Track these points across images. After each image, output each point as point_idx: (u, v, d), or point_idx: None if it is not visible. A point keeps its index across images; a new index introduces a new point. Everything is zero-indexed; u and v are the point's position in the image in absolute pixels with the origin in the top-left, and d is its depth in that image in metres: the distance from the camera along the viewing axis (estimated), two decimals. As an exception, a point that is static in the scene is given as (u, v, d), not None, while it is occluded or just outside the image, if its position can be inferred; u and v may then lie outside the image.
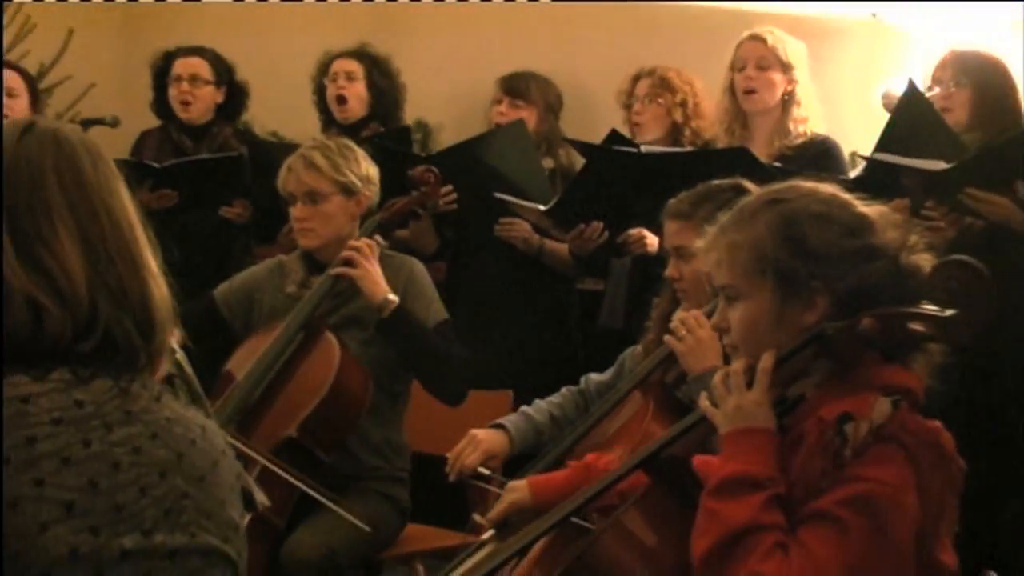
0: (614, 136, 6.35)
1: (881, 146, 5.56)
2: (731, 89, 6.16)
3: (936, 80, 5.79)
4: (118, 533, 2.14)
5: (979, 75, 5.74)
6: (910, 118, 5.57)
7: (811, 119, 6.11)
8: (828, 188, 3.09)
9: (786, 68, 6.07)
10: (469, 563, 3.74)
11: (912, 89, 5.67)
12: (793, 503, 2.84)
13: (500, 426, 4.75)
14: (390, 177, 5.58)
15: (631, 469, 3.29)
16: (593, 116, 7.14)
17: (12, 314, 2.15)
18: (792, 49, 6.11)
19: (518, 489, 3.77)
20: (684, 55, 7.12)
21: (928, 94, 5.71)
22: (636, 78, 7.01)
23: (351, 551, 5.08)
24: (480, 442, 4.65)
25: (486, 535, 3.81)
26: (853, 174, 5.62)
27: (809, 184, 3.14)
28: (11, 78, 7.10)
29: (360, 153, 5.41)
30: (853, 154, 6.16)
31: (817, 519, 2.78)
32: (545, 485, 3.72)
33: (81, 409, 2.16)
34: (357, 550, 5.13)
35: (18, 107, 6.84)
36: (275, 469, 4.82)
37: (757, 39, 6.15)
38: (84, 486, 2.12)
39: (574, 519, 3.36)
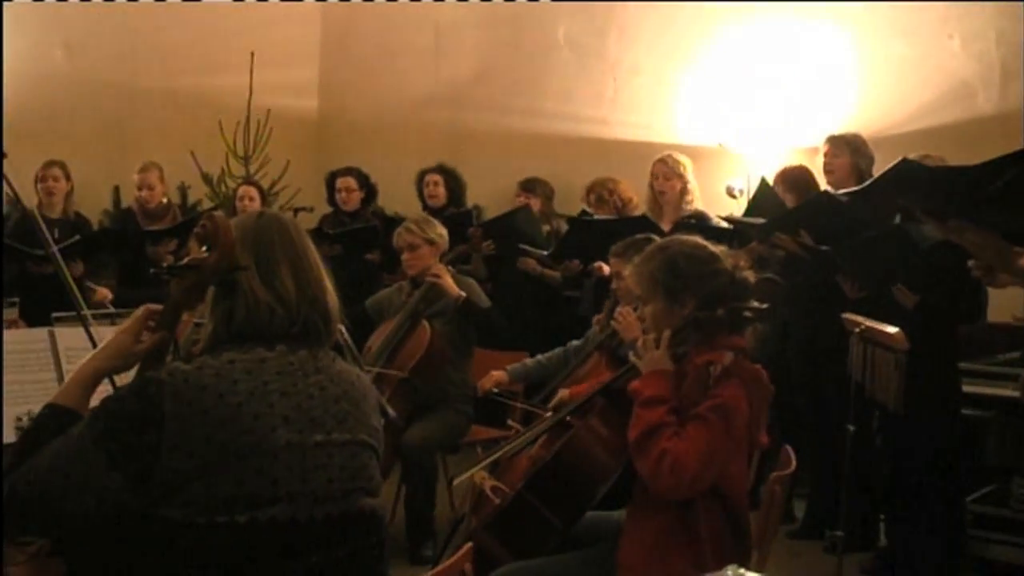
0: (583, 212, 6.46)
1: (745, 213, 5.69)
2: (651, 187, 6.15)
3: (775, 185, 5.73)
4: (313, 432, 2.15)
5: (794, 181, 5.70)
6: (764, 199, 5.63)
7: (695, 201, 6.10)
8: (693, 238, 3.13)
9: (680, 176, 6.06)
10: (515, 442, 3.71)
11: (764, 183, 5.74)
12: (682, 411, 2.86)
13: (504, 368, 4.98)
14: (455, 234, 5.60)
15: (595, 394, 3.30)
16: (577, 203, 7.11)
17: (259, 315, 2.19)
18: (683, 165, 6.09)
19: (563, 393, 3.76)
20: (619, 168, 7.07)
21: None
22: (588, 192, 6.92)
23: (441, 440, 5.09)
24: (491, 376, 4.93)
25: (548, 415, 3.79)
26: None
27: (684, 236, 3.20)
28: (251, 191, 7.13)
29: (436, 222, 5.43)
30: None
31: (695, 419, 2.81)
32: (574, 391, 3.69)
33: (292, 366, 2.17)
34: (444, 439, 5.14)
35: (255, 205, 6.87)
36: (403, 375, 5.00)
37: (661, 162, 6.13)
38: (294, 407, 2.13)
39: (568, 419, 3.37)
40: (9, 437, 3.74)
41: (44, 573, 2.27)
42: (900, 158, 3.03)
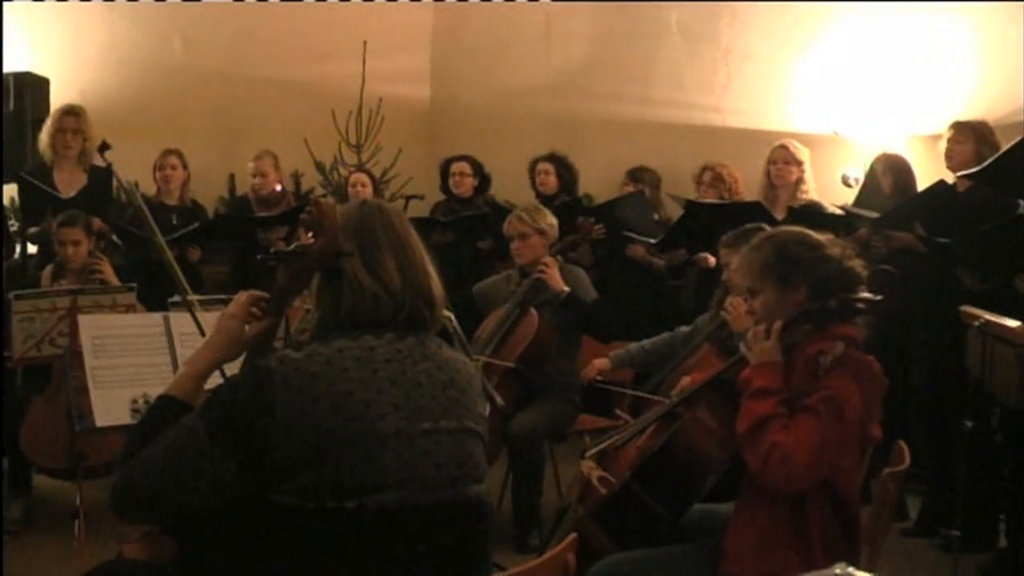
0: (692, 202, 6.30)
1: (855, 203, 5.77)
2: (767, 174, 6.07)
3: (876, 161, 5.77)
4: (421, 420, 2.17)
5: (895, 166, 5.71)
6: (872, 188, 5.65)
7: (810, 192, 6.02)
8: (798, 228, 3.10)
9: (798, 163, 5.98)
10: (623, 432, 3.68)
11: (873, 173, 5.75)
12: (791, 402, 2.81)
13: (607, 356, 5.04)
14: (566, 223, 5.57)
15: (704, 384, 3.26)
16: (687, 192, 7.03)
17: (364, 302, 2.20)
18: (802, 152, 6.01)
19: (685, 381, 3.67)
20: (730, 156, 6.99)
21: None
22: (702, 170, 6.91)
23: (548, 428, 5.08)
24: (594, 365, 5.01)
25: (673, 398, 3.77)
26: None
27: (789, 227, 3.17)
28: (363, 178, 7.18)
29: (547, 212, 5.42)
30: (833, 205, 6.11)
31: (805, 410, 2.76)
32: (695, 378, 3.63)
33: (400, 354, 2.19)
34: (551, 428, 5.14)
35: (367, 192, 6.92)
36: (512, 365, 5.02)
37: (783, 147, 6.05)
38: (402, 395, 2.15)
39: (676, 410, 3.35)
40: (124, 419, 3.87)
41: (156, 551, 2.33)
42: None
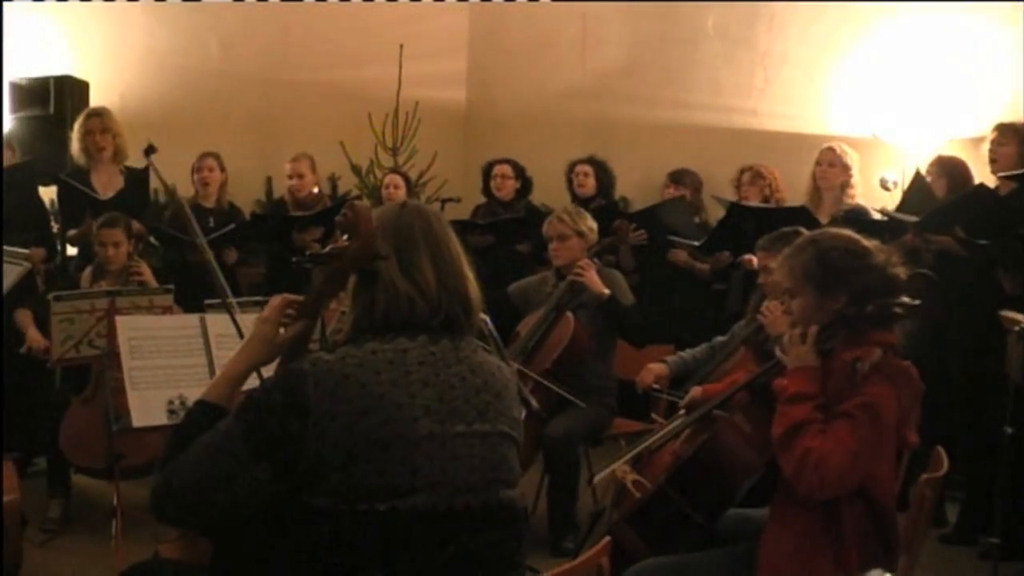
0: (736, 204, 6.27)
1: (899, 207, 5.74)
2: (813, 176, 6.03)
3: (928, 172, 5.73)
4: (454, 423, 2.16)
5: (950, 169, 5.68)
6: (917, 192, 5.63)
7: (856, 197, 5.97)
8: (845, 232, 3.05)
9: (844, 167, 5.93)
10: (657, 436, 3.68)
11: (919, 176, 5.72)
12: (828, 408, 2.79)
13: (663, 361, 4.89)
14: (602, 227, 5.52)
15: (739, 389, 3.26)
16: (725, 195, 7.01)
17: (399, 305, 2.20)
18: (850, 156, 5.96)
19: (696, 392, 3.74)
20: (768, 160, 6.96)
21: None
22: (741, 171, 6.89)
23: (584, 432, 5.07)
24: (651, 370, 4.84)
25: (681, 412, 3.76)
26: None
27: (835, 230, 3.12)
28: (397, 179, 7.20)
29: (586, 214, 5.40)
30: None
31: (841, 416, 2.74)
32: (707, 390, 3.68)
33: (433, 356, 2.19)
34: (587, 432, 5.12)
35: (400, 194, 6.94)
36: (546, 383, 4.97)
37: (830, 149, 6.00)
38: (435, 398, 2.15)
39: (715, 413, 3.33)
40: (160, 419, 3.89)
41: (192, 551, 2.35)
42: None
